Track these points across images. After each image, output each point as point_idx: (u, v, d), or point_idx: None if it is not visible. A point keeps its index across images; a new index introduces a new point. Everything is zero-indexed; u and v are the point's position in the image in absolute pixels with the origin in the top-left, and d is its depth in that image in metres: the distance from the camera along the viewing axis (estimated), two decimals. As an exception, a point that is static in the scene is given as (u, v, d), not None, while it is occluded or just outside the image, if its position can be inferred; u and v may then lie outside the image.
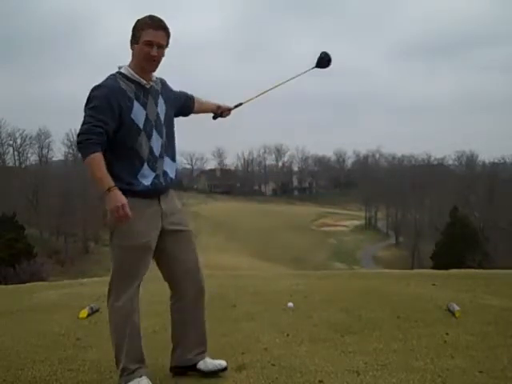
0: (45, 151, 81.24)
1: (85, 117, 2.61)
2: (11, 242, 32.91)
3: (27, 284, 7.18)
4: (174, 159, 2.94)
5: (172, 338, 3.03)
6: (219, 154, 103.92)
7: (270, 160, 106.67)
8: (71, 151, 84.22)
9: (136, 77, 2.75)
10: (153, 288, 6.16)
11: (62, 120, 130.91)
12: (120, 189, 2.57)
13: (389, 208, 76.94)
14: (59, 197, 57.83)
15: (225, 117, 3.31)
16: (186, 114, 3.20)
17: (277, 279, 6.71)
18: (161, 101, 2.88)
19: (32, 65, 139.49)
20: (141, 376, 2.69)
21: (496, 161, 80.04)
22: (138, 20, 2.74)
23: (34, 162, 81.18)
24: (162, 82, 2.97)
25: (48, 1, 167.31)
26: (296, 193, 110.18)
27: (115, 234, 2.73)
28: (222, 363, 2.99)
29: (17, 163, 79.08)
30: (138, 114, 2.71)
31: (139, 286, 2.81)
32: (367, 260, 61.10)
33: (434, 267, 26.30)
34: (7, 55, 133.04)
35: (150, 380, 2.73)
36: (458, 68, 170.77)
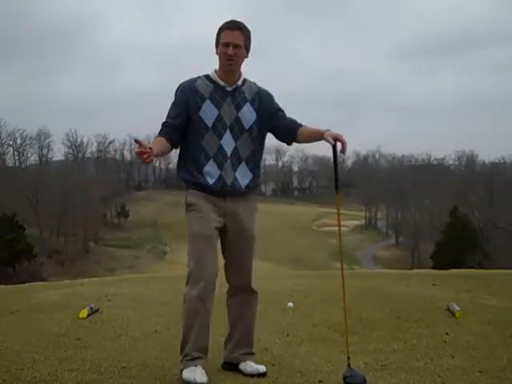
0: (45, 151, 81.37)
1: None
2: (11, 242, 32.92)
3: (27, 284, 7.19)
4: (253, 171, 2.95)
5: (226, 330, 3.13)
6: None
7: (270, 160, 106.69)
8: (71, 151, 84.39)
9: (216, 78, 2.88)
10: (154, 288, 6.17)
11: (62, 120, 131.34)
12: (186, 180, 2.89)
13: (389, 208, 76.94)
14: (59, 197, 57.83)
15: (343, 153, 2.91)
16: (286, 142, 3.03)
17: (277, 279, 6.71)
18: (248, 108, 2.91)
19: (32, 64, 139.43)
20: (196, 365, 2.75)
21: (496, 161, 79.99)
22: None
23: (34, 162, 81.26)
24: (260, 93, 2.96)
25: (49, 1, 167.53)
26: (296, 193, 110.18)
27: (187, 223, 2.88)
28: (261, 368, 2.97)
29: (17, 163, 79.20)
30: (208, 112, 2.83)
31: (215, 276, 2.85)
32: (367, 260, 61.06)
33: (434, 267, 26.28)
34: (8, 55, 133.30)
35: (205, 371, 2.76)
36: (458, 68, 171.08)
